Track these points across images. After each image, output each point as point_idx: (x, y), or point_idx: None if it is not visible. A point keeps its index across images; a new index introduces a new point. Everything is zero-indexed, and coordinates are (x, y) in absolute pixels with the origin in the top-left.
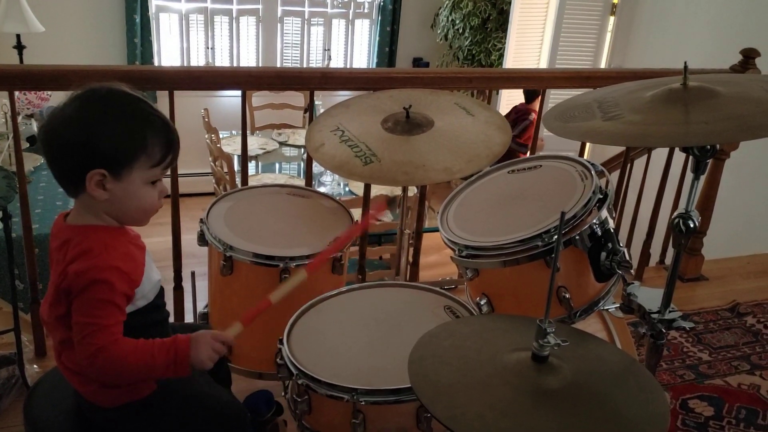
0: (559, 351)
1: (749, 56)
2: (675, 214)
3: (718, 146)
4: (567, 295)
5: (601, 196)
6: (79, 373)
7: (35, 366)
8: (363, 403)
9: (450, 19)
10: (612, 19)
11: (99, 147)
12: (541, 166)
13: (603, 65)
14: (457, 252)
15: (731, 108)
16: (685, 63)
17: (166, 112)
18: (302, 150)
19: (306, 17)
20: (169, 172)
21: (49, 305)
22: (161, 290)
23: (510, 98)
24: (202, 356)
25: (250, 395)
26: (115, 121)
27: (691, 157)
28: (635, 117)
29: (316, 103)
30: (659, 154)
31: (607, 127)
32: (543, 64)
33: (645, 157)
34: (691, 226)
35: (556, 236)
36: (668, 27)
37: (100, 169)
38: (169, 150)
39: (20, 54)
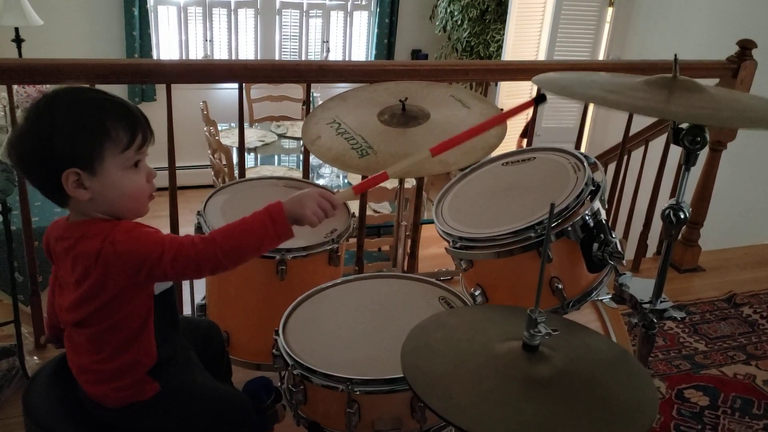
0: (548, 340)
1: (746, 47)
2: (666, 205)
3: (708, 138)
4: (560, 286)
5: (594, 188)
6: (94, 372)
7: (35, 357)
8: (358, 392)
9: (448, 10)
10: (610, 10)
11: (57, 148)
12: (534, 158)
13: (601, 57)
14: (451, 243)
15: (725, 103)
16: (675, 55)
17: (164, 105)
18: (301, 142)
19: (304, 9)
20: (165, 163)
21: (73, 307)
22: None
23: (509, 90)
24: (306, 210)
25: (249, 381)
26: (66, 119)
27: (681, 149)
28: (639, 93)
29: (315, 95)
30: (656, 146)
31: (617, 97)
32: (541, 56)
33: (642, 148)
34: (682, 217)
35: None
36: (666, 18)
37: (72, 168)
38: (135, 130)
39: (19, 47)
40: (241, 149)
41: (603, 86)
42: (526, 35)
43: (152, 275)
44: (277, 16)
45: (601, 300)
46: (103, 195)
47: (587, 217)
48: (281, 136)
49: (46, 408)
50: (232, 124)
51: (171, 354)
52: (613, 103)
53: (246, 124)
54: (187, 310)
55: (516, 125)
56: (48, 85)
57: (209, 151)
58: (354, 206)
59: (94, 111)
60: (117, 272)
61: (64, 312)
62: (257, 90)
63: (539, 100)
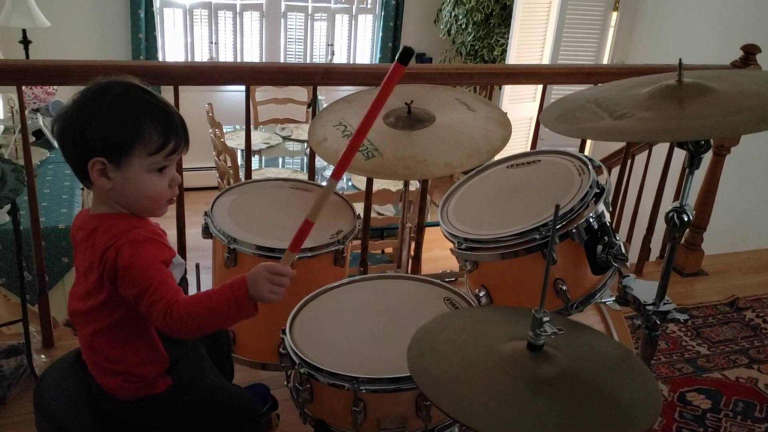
0: (552, 340)
1: (750, 52)
2: (669, 208)
3: (711, 141)
4: (564, 287)
5: (598, 191)
6: (104, 364)
7: (43, 356)
8: (364, 391)
9: (453, 14)
10: (615, 14)
11: (91, 136)
12: (539, 161)
13: (605, 61)
14: (456, 245)
15: (735, 102)
16: (680, 60)
17: None
18: (305, 144)
19: (309, 12)
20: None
21: (82, 297)
22: (185, 273)
23: (513, 93)
24: (262, 292)
25: (247, 388)
26: (108, 111)
27: (685, 153)
28: (647, 114)
29: (319, 98)
30: (660, 150)
31: (624, 125)
32: (545, 60)
33: (646, 152)
34: (685, 219)
35: None
36: (671, 23)
37: (100, 157)
38: (168, 137)
39: (26, 49)
40: (248, 151)
41: (609, 109)
42: (530, 39)
43: (133, 302)
44: (282, 19)
45: (605, 302)
46: (124, 189)
47: (591, 220)
48: (286, 138)
49: (58, 405)
50: (237, 126)
51: (182, 354)
52: (626, 134)
53: (251, 127)
54: None
55: (522, 129)
56: (54, 87)
57: (214, 153)
58: (359, 208)
59: (135, 109)
60: (109, 279)
61: (74, 300)
62: (262, 92)
63: (404, 56)
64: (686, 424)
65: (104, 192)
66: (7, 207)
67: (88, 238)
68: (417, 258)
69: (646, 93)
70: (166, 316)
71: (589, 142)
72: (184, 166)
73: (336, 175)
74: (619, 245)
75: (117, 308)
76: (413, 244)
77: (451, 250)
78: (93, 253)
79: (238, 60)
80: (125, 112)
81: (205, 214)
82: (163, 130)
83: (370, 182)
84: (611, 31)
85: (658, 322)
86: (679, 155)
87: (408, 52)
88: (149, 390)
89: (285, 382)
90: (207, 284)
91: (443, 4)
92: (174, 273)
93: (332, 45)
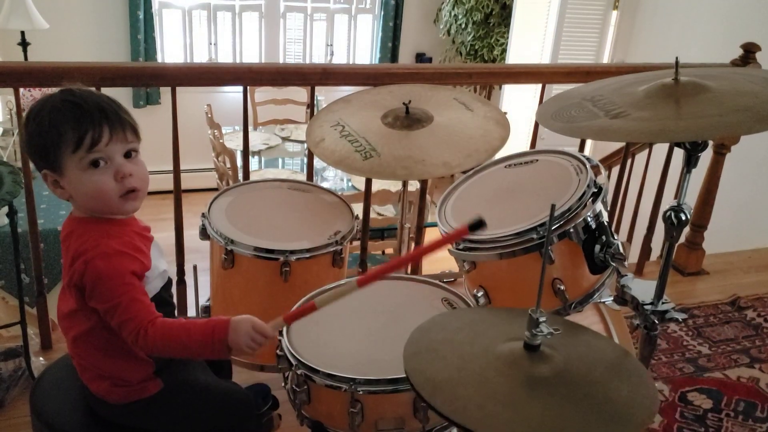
0: (549, 341)
1: (749, 50)
2: (667, 207)
3: (708, 141)
4: (562, 287)
5: (596, 190)
6: (91, 369)
7: (41, 358)
8: (361, 392)
9: (453, 14)
10: (615, 13)
11: (29, 152)
12: (537, 160)
13: (606, 60)
14: (454, 245)
15: (732, 101)
16: (677, 58)
17: (169, 108)
18: (305, 145)
19: (308, 13)
20: (170, 166)
21: (63, 300)
22: (168, 282)
23: (513, 94)
24: (240, 343)
25: (247, 388)
26: (32, 123)
27: (683, 151)
28: (643, 113)
29: (319, 98)
30: (660, 149)
31: (620, 124)
32: (546, 59)
33: (646, 152)
34: (683, 218)
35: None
36: (671, 21)
37: (44, 170)
38: (83, 130)
39: (25, 51)
40: (246, 152)
41: (605, 108)
42: (530, 38)
43: (103, 316)
44: (281, 20)
45: (604, 302)
46: (75, 194)
47: (589, 219)
48: (285, 139)
49: (54, 408)
50: (236, 127)
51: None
52: (622, 134)
53: (250, 128)
54: (191, 312)
55: (521, 129)
56: (52, 88)
57: (213, 154)
58: (358, 209)
59: (50, 113)
60: (77, 289)
61: (59, 302)
62: (261, 93)
63: (476, 226)
64: (687, 424)
65: (71, 201)
66: (5, 209)
67: (65, 240)
68: None
69: (642, 91)
70: (139, 336)
71: (589, 141)
72: (182, 167)
73: (360, 282)
74: (617, 244)
75: (91, 316)
76: (413, 245)
77: (449, 250)
78: (67, 256)
79: (238, 61)
80: (43, 118)
81: (203, 215)
82: (77, 124)
83: (369, 183)
84: (611, 30)
85: (657, 322)
86: (680, 154)
87: (480, 223)
88: (140, 394)
89: (282, 384)
90: (205, 286)
91: (443, 3)
92: (154, 283)
93: (332, 45)
